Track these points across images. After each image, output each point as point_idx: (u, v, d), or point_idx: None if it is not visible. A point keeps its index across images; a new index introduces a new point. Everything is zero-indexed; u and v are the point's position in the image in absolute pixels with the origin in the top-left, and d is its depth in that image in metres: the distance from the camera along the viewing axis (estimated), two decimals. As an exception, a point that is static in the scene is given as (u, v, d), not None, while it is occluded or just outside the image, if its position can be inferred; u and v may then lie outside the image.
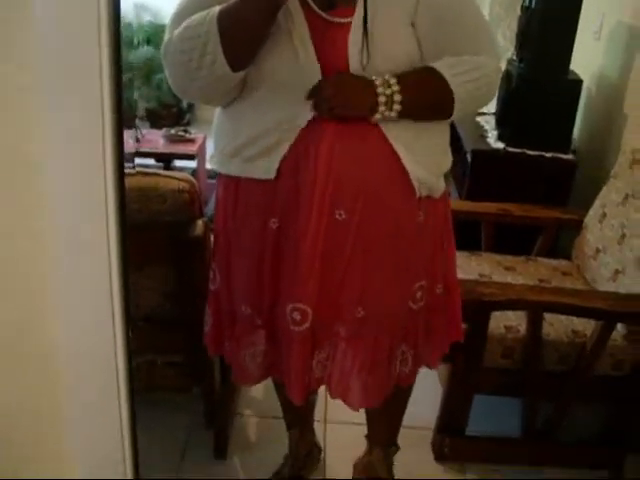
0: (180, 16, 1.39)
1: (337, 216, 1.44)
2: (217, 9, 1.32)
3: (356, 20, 1.37)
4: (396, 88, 1.38)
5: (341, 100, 1.38)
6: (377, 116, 1.39)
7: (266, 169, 1.44)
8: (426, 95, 1.45)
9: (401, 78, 1.39)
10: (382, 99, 1.37)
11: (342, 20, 1.38)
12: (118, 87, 0.90)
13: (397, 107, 1.39)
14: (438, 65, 1.42)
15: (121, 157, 0.92)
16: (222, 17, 1.31)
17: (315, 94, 1.37)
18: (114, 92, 0.89)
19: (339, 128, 1.40)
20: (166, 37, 1.41)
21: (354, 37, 1.37)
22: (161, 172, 1.76)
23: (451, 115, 1.48)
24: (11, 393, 1.05)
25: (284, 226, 1.47)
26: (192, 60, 1.35)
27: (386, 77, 1.38)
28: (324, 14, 1.38)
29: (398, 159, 1.44)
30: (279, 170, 1.43)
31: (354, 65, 1.37)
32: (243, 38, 1.33)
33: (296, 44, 1.36)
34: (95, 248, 0.94)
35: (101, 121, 0.89)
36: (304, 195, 1.42)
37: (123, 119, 0.93)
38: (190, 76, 1.38)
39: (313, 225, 1.43)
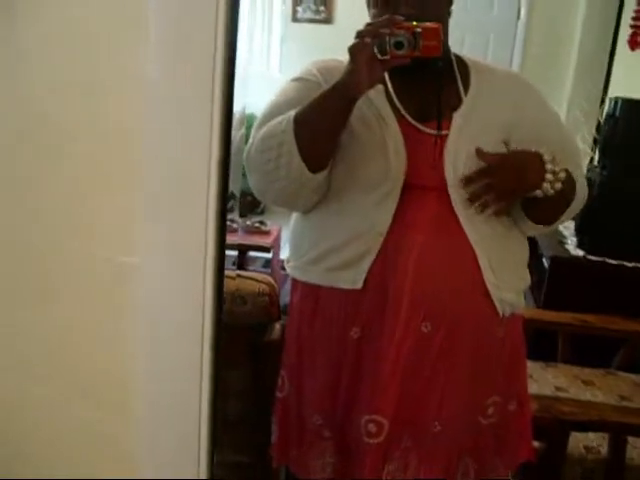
0: (264, 121, 1.44)
1: (423, 328, 1.42)
2: (294, 110, 1.36)
3: (453, 133, 1.39)
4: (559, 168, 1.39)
5: (510, 175, 1.39)
6: (538, 192, 1.38)
7: (353, 280, 1.43)
8: (570, 185, 1.44)
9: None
10: (550, 176, 1.37)
11: (439, 133, 1.40)
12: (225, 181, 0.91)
13: (558, 186, 1.38)
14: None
15: (222, 259, 0.92)
16: (297, 117, 1.34)
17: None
18: (221, 185, 0.89)
19: (426, 239, 1.40)
20: (250, 141, 1.45)
21: (451, 149, 1.39)
22: (243, 273, 1.79)
23: (555, 222, 1.50)
24: None
25: (366, 336, 1.45)
26: (270, 160, 1.38)
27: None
28: (420, 125, 1.41)
29: (482, 278, 1.43)
30: (365, 280, 1.43)
31: (449, 176, 1.39)
32: (317, 136, 1.36)
33: (390, 152, 1.38)
34: (189, 348, 0.93)
35: (205, 222, 0.88)
36: (391, 306, 1.41)
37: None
38: (269, 178, 1.41)
39: (398, 336, 1.41)
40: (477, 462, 1.58)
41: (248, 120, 4.97)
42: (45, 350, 0.98)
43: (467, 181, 1.38)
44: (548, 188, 1.38)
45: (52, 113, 0.91)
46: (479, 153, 1.37)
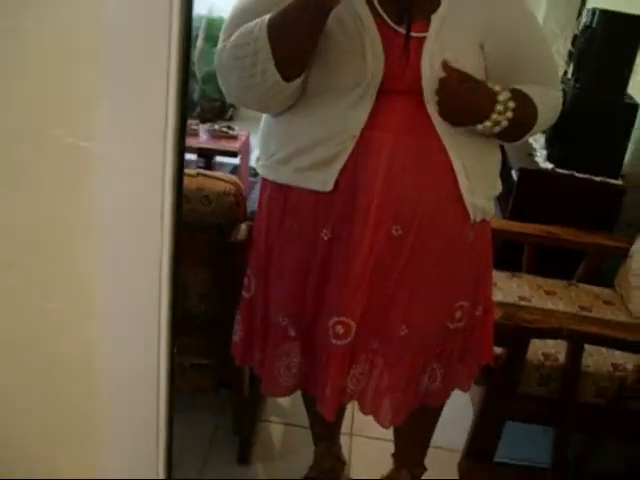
0: (234, 23, 1.38)
1: (393, 232, 1.41)
2: (268, 17, 1.30)
3: (431, 35, 1.35)
4: (512, 105, 1.38)
5: (462, 102, 1.37)
6: (479, 127, 1.38)
7: (323, 181, 1.40)
8: (525, 115, 1.43)
9: (514, 94, 1.40)
10: (497, 110, 1.37)
11: (416, 35, 1.35)
12: (185, 82, 0.87)
13: (505, 123, 1.38)
14: (528, 89, 1.42)
15: (182, 155, 0.88)
16: (271, 25, 1.29)
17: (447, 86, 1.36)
18: (180, 88, 0.85)
19: (399, 141, 1.38)
20: (220, 44, 1.40)
21: (428, 52, 1.35)
22: (208, 173, 1.74)
23: (519, 139, 1.49)
24: (51, 391, 1.04)
25: (336, 238, 1.44)
26: (244, 68, 1.33)
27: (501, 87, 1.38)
28: (398, 27, 1.35)
29: (456, 182, 1.41)
30: (336, 182, 1.40)
31: (427, 79, 1.35)
32: (292, 46, 1.31)
33: (367, 55, 1.34)
34: (148, 247, 0.91)
35: (164, 115, 0.85)
36: (362, 208, 1.39)
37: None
38: (244, 84, 1.37)
39: (368, 239, 1.40)
40: (443, 367, 1.60)
41: (217, 24, 4.82)
42: (8, 238, 0.95)
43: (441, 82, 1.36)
44: (497, 119, 1.38)
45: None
46: (444, 65, 1.35)
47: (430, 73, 1.35)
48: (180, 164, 0.81)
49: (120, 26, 0.84)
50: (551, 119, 1.54)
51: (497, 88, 1.38)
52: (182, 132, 0.81)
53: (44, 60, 0.88)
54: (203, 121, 4.45)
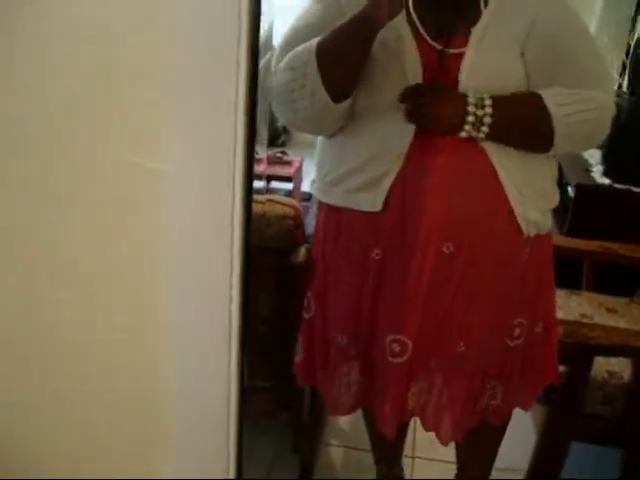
0: (284, 49, 1.42)
1: (445, 249, 1.42)
2: (316, 40, 1.35)
3: (470, 51, 1.36)
4: (489, 110, 1.35)
5: (429, 109, 1.36)
6: (462, 134, 1.37)
7: (372, 201, 1.42)
8: (522, 122, 1.41)
9: (498, 100, 1.36)
10: (470, 118, 1.35)
11: (454, 51, 1.37)
12: (253, 102, 0.89)
13: (485, 129, 1.36)
14: (544, 93, 1.38)
15: (250, 181, 0.90)
16: (320, 47, 1.33)
17: (408, 98, 1.36)
18: (249, 109, 0.87)
19: (445, 158, 1.39)
20: (272, 67, 1.44)
21: (466, 67, 1.36)
22: (267, 197, 1.77)
23: (549, 149, 1.42)
24: (116, 416, 1.07)
25: (388, 258, 1.45)
26: (294, 91, 1.37)
27: (483, 96, 1.35)
28: (436, 44, 1.37)
29: (505, 195, 1.41)
30: (385, 202, 1.41)
31: (467, 94, 1.36)
32: (340, 68, 1.35)
33: (407, 73, 1.36)
34: (219, 270, 0.93)
35: (233, 141, 0.87)
36: (411, 227, 1.41)
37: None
38: (293, 106, 1.40)
39: (420, 257, 1.41)
40: (503, 385, 1.59)
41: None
42: (74, 256, 0.98)
43: (403, 93, 1.36)
44: (471, 131, 1.36)
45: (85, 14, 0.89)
46: (415, 88, 1.36)
47: (468, 89, 1.36)
48: (249, 187, 0.84)
49: (188, 45, 0.87)
50: (597, 128, 1.45)
51: (469, 93, 1.36)
52: (251, 155, 0.84)
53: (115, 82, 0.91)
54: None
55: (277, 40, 1.48)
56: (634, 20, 3.74)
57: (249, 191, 0.84)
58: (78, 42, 0.89)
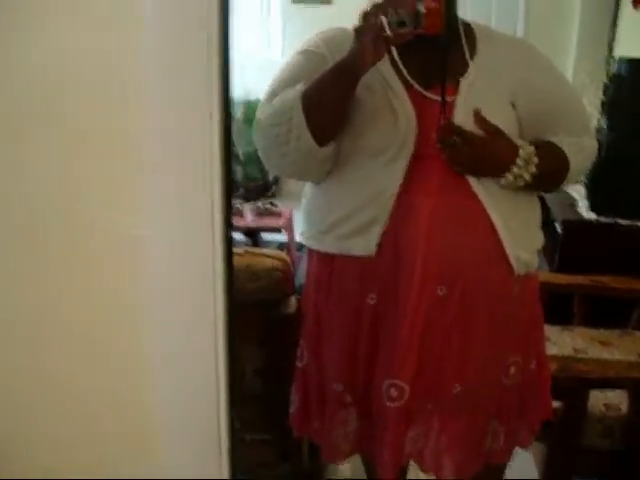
0: (272, 95, 1.46)
1: (439, 291, 1.43)
2: (301, 86, 1.40)
3: (460, 100, 1.41)
4: (535, 160, 1.42)
5: (480, 153, 1.41)
6: (509, 176, 1.42)
7: (365, 246, 1.44)
8: (553, 168, 1.49)
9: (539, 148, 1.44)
10: (521, 162, 1.41)
11: (447, 99, 1.40)
12: (228, 163, 0.91)
13: (533, 169, 1.42)
14: (559, 142, 1.47)
15: (230, 235, 0.93)
16: (305, 94, 1.38)
17: (447, 139, 1.40)
18: (224, 170, 0.89)
19: (437, 202, 1.42)
20: (258, 114, 1.48)
21: (458, 117, 1.41)
22: (254, 250, 1.80)
23: (555, 189, 1.56)
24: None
25: (382, 302, 1.47)
26: (280, 135, 1.41)
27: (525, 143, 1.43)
28: (426, 93, 1.42)
29: (497, 237, 1.44)
30: (378, 245, 1.44)
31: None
32: (325, 112, 1.39)
33: (399, 116, 1.40)
34: (203, 328, 0.95)
35: (210, 196, 0.89)
36: (405, 271, 1.42)
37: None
38: (280, 151, 1.44)
39: (414, 300, 1.43)
40: (504, 425, 1.59)
41: (254, 106, 4.98)
42: (65, 318, 1.00)
43: (442, 129, 1.40)
44: (518, 172, 1.41)
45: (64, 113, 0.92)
46: (476, 114, 1.40)
47: None
48: (229, 244, 0.86)
49: (161, 111, 0.89)
50: (586, 167, 1.59)
51: (520, 142, 1.43)
52: (228, 213, 0.86)
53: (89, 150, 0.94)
54: (246, 200, 4.57)
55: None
56: (608, 56, 3.84)
57: (229, 248, 0.86)
58: (54, 111, 0.92)
